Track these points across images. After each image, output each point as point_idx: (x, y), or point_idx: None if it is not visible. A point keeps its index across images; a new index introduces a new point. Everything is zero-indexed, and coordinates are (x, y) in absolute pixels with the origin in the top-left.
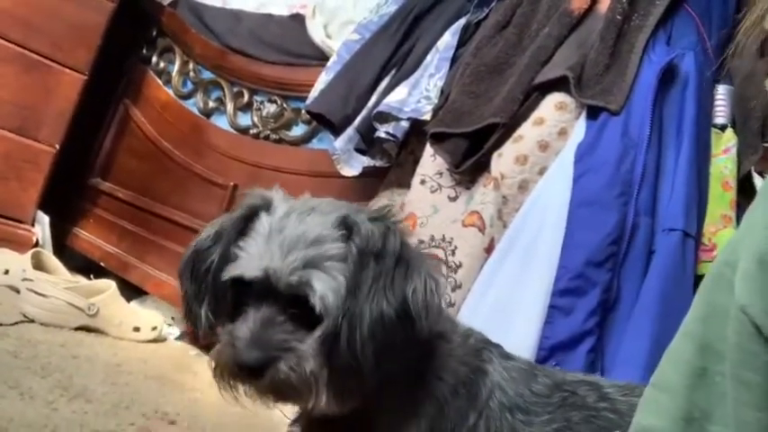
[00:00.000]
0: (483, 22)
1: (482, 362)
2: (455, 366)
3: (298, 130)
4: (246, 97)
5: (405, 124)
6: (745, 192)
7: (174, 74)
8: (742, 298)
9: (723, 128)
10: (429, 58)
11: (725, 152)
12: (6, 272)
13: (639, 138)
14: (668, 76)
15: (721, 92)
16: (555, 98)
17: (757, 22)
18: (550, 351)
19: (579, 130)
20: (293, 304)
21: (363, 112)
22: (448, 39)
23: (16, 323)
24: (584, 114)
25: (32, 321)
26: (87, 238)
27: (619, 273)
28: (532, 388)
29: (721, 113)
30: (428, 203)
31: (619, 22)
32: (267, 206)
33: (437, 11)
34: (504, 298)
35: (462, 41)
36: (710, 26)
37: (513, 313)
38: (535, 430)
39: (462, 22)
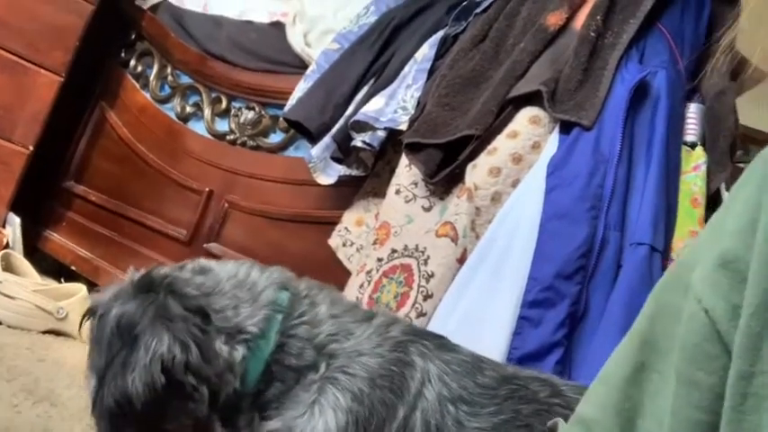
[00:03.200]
0: (460, 35)
1: (404, 354)
2: (364, 361)
3: (275, 138)
4: (224, 103)
5: (381, 134)
6: (714, 209)
7: (151, 78)
8: (705, 301)
9: (693, 145)
10: (407, 69)
11: (695, 169)
12: None
13: (610, 153)
14: (640, 93)
15: (692, 110)
16: (529, 112)
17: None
18: (519, 362)
19: (552, 144)
20: None
21: (341, 121)
22: (426, 51)
23: None
24: (557, 129)
25: (0, 323)
26: (59, 241)
27: (588, 286)
28: (477, 380)
29: (692, 131)
30: (402, 213)
31: (593, 39)
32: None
33: (416, 23)
34: (474, 308)
35: (440, 54)
36: (683, 45)
37: (483, 324)
38: (482, 422)
39: (440, 34)
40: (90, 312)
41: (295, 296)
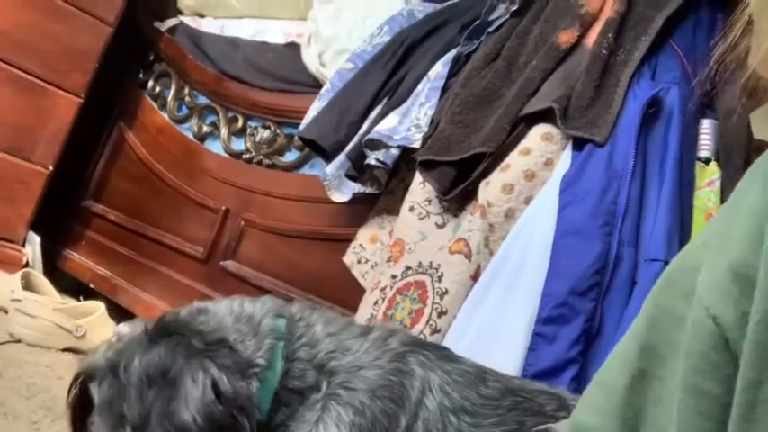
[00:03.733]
0: (473, 54)
1: (404, 363)
2: (364, 374)
3: (290, 156)
4: (241, 123)
5: (395, 152)
6: None
7: (169, 98)
8: (713, 308)
9: (707, 161)
10: (420, 87)
11: (709, 185)
12: None
13: (623, 169)
14: (652, 109)
15: (706, 126)
16: (541, 129)
17: (729, 51)
18: (533, 379)
19: (565, 160)
20: None
21: (355, 139)
22: (439, 69)
23: (3, 343)
24: (569, 145)
25: (19, 341)
26: (78, 259)
27: (602, 302)
28: (480, 391)
29: (705, 147)
30: (416, 230)
31: (605, 56)
32: (91, 377)
33: (429, 42)
34: (488, 325)
35: (453, 72)
36: (695, 61)
37: (497, 340)
38: None
39: (453, 53)
40: (84, 377)
41: (291, 321)
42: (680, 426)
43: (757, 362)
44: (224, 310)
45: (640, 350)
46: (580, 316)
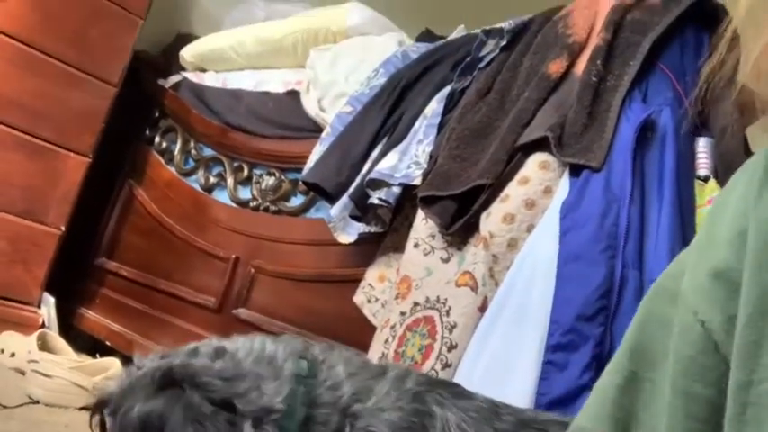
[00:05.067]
0: (466, 90)
1: (423, 404)
2: (386, 417)
3: (296, 201)
4: (246, 171)
5: (396, 190)
6: None
7: (176, 153)
8: (701, 313)
9: (706, 179)
10: (417, 125)
11: (710, 203)
12: (13, 354)
13: (622, 192)
14: (646, 132)
15: (702, 144)
16: (538, 158)
17: (716, 69)
18: (548, 407)
19: (563, 187)
20: None
21: (357, 180)
22: (434, 106)
23: (21, 405)
24: (567, 172)
25: (37, 402)
26: (93, 317)
27: (611, 326)
28: (495, 426)
29: (704, 165)
30: (422, 266)
31: (594, 83)
32: (105, 405)
33: (423, 81)
34: (498, 356)
35: (448, 109)
36: (685, 81)
37: (508, 371)
38: None
39: (447, 90)
40: (100, 406)
41: (313, 363)
42: (670, 428)
43: (747, 363)
44: (244, 352)
45: (631, 354)
46: (589, 341)
